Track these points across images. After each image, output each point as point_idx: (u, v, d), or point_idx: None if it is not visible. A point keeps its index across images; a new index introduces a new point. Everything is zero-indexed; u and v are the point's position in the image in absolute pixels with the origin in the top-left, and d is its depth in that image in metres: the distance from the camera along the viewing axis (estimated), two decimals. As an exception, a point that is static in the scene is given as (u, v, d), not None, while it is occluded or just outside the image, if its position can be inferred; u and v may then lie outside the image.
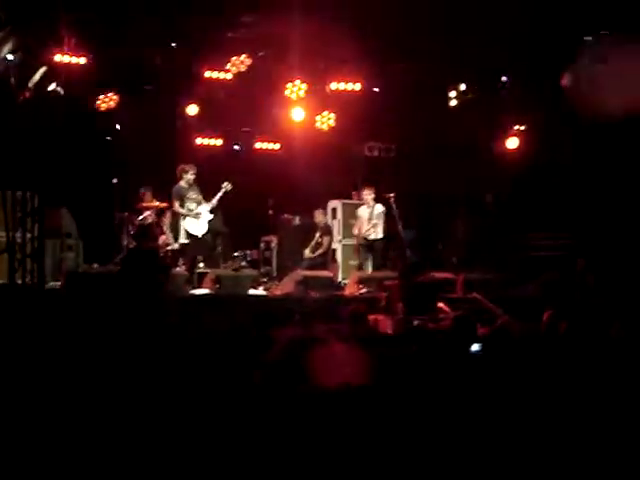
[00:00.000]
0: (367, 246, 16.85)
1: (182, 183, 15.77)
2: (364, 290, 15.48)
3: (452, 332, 7.53)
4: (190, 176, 15.79)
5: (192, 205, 15.74)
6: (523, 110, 18.69)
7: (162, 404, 4.14)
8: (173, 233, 16.51)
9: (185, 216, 15.73)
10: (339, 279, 17.00)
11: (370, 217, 16.70)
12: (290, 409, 2.88)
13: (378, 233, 16.76)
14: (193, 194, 15.79)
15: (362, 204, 17.05)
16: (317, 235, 17.50)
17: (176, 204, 15.78)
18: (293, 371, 2.92)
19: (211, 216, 15.91)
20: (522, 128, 18.97)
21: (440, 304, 12.13)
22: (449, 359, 5.52)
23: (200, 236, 15.82)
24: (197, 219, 15.74)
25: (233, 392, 3.98)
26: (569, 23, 15.73)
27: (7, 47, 15.30)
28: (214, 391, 3.93)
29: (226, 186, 16.21)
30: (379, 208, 16.73)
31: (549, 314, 8.34)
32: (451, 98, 19.01)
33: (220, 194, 16.14)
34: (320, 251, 17.42)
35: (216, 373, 4.20)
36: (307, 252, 17.44)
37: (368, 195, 16.85)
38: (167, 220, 16.82)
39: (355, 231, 17.07)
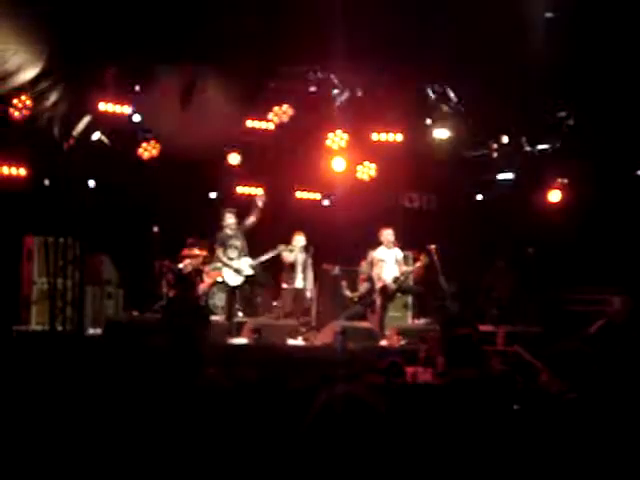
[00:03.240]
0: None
1: (226, 230, 15.73)
2: (403, 342, 15.36)
3: (494, 385, 7.41)
4: (229, 220, 15.72)
5: (234, 253, 15.69)
6: (566, 162, 18.62)
7: (196, 456, 4.10)
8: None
9: (225, 265, 15.70)
10: (378, 330, 16.86)
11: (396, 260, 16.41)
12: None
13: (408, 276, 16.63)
14: (236, 241, 15.74)
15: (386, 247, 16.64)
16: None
17: (219, 251, 15.75)
18: (334, 430, 2.85)
19: (250, 271, 15.83)
20: (565, 181, 18.87)
21: (487, 357, 11.97)
22: (489, 413, 5.42)
23: (235, 286, 15.77)
24: (236, 273, 15.70)
25: (269, 445, 3.93)
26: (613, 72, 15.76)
27: (53, 96, 15.54)
28: (244, 444, 3.88)
29: (281, 249, 16.23)
30: (399, 252, 16.53)
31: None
32: (493, 150, 18.95)
33: (271, 254, 16.17)
34: (358, 293, 17.27)
35: (254, 427, 4.15)
36: (348, 292, 17.33)
37: (390, 236, 16.50)
38: (207, 269, 16.84)
39: (377, 275, 16.45)
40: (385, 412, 2.98)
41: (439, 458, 4.19)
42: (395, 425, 3.06)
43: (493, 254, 18.36)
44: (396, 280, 16.13)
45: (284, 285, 16.90)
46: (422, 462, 3.86)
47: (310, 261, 16.79)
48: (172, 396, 5.19)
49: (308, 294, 16.84)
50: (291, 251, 16.61)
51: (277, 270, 17.36)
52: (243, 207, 17.01)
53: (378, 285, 16.21)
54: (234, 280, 15.64)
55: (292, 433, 3.04)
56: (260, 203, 15.66)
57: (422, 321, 17.05)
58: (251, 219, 15.62)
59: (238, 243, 15.71)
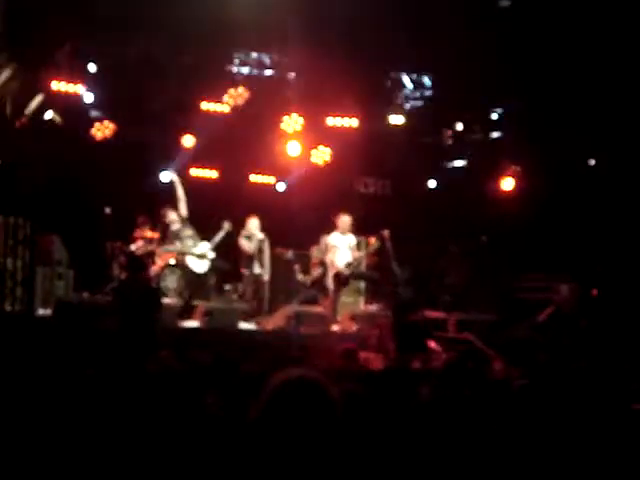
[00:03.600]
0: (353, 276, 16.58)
1: (172, 226, 15.78)
2: (356, 327, 15.39)
3: (443, 374, 7.44)
4: (172, 216, 15.86)
5: (190, 242, 15.70)
6: (519, 151, 18.76)
7: (145, 437, 4.06)
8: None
9: (186, 254, 15.70)
10: (331, 315, 16.85)
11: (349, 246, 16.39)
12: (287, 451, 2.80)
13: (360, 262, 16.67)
14: (187, 231, 15.75)
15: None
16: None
17: (176, 245, 15.75)
18: (287, 414, 2.83)
19: (213, 254, 15.86)
20: (518, 169, 19.00)
21: (432, 344, 12.04)
22: (439, 401, 5.44)
23: (201, 273, 15.79)
24: (200, 259, 15.71)
25: (223, 429, 3.90)
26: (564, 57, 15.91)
27: (4, 75, 15.32)
28: (198, 429, 3.85)
29: (227, 227, 16.17)
30: (353, 238, 16.50)
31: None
32: (447, 137, 19.04)
33: (221, 234, 16.10)
34: (311, 278, 17.21)
35: (201, 409, 4.12)
36: (301, 276, 17.23)
37: (347, 222, 16.36)
38: (159, 251, 16.74)
39: (330, 261, 16.32)
40: (338, 398, 2.97)
41: (390, 443, 4.19)
42: (348, 410, 3.05)
43: (446, 240, 18.45)
44: (349, 265, 16.11)
45: (243, 271, 16.82)
46: (375, 448, 3.86)
47: (267, 244, 16.72)
48: (123, 378, 5.15)
49: (265, 278, 16.76)
50: (248, 237, 16.53)
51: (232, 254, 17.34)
52: (194, 190, 16.97)
53: (331, 271, 16.19)
54: (201, 266, 15.66)
55: (245, 417, 3.02)
56: (229, 228, 16.06)
57: (374, 307, 17.06)
58: (217, 239, 16.02)
59: (189, 232, 15.75)
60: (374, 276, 17.02)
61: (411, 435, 4.46)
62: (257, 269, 16.51)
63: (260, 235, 16.48)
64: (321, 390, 2.91)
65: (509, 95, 17.81)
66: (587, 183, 18.18)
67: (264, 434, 2.81)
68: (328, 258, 16.23)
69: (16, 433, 4.47)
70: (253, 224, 16.52)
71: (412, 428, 4.57)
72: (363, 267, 16.99)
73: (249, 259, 16.53)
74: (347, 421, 2.96)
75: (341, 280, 16.15)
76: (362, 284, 17.74)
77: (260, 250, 16.58)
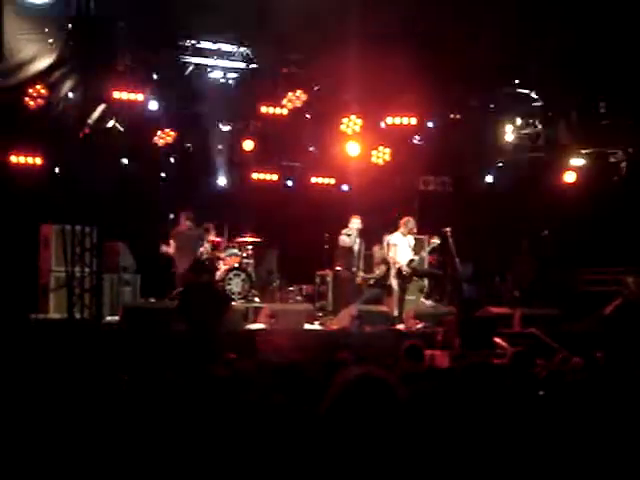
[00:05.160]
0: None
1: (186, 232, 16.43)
2: (420, 325, 15.38)
3: (510, 368, 7.43)
4: (187, 222, 16.42)
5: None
6: (580, 143, 18.60)
7: (220, 437, 4.13)
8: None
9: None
10: (395, 313, 16.85)
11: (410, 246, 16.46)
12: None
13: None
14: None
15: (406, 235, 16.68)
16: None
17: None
18: (354, 410, 2.88)
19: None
20: (580, 162, 18.83)
21: (497, 339, 12.00)
22: (507, 396, 5.44)
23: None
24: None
25: (290, 428, 3.95)
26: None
27: (67, 85, 15.59)
28: (270, 429, 3.91)
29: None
30: (412, 239, 16.58)
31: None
32: (507, 132, 18.93)
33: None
34: (374, 276, 17.25)
35: (271, 411, 4.18)
36: (361, 274, 17.25)
37: (411, 224, 16.41)
38: (223, 255, 16.92)
39: (392, 259, 16.32)
40: (406, 395, 3.00)
41: (459, 443, 4.21)
42: (415, 408, 3.09)
43: (511, 237, 18.32)
44: (410, 263, 16.10)
45: (338, 268, 16.96)
46: (442, 446, 3.89)
47: (363, 245, 16.90)
48: (194, 381, 5.24)
49: (359, 279, 16.94)
50: (348, 235, 16.68)
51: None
52: (256, 194, 17.12)
53: (394, 269, 16.20)
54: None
55: (313, 417, 3.07)
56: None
57: (434, 304, 16.98)
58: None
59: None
60: (437, 273, 17.01)
61: (486, 431, 4.47)
62: (354, 266, 16.70)
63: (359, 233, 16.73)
64: (389, 388, 2.94)
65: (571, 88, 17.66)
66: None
67: (332, 429, 2.86)
68: (390, 256, 16.26)
69: (92, 437, 4.55)
70: (355, 223, 16.67)
71: (488, 425, 4.58)
72: (425, 265, 17.01)
73: (347, 256, 16.69)
74: (415, 419, 3.00)
75: (404, 277, 16.14)
76: (425, 282, 17.71)
77: (360, 249, 16.80)
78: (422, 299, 16.94)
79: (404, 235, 16.23)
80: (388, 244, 16.38)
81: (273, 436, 3.76)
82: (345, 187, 20.13)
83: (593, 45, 15.95)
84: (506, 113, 18.83)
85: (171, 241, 16.18)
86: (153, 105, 17.00)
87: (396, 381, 2.98)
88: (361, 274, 17.22)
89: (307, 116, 18.18)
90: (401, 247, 16.17)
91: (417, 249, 16.49)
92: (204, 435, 3.98)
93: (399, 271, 16.09)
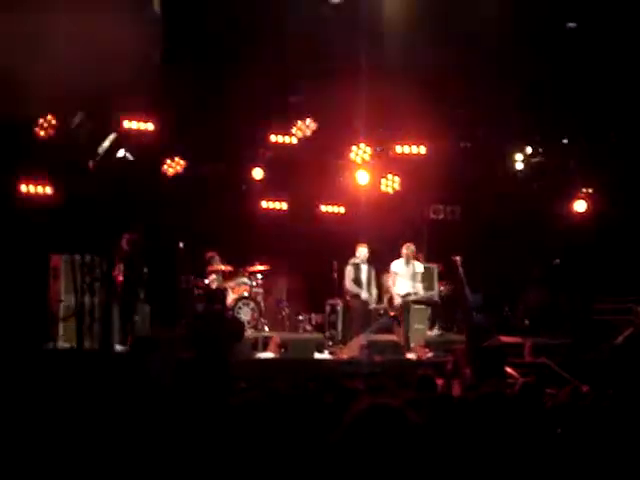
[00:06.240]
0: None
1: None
2: (430, 354, 15.33)
3: (519, 399, 7.37)
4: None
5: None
6: (590, 172, 18.60)
7: (230, 469, 4.10)
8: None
9: None
10: (404, 343, 16.81)
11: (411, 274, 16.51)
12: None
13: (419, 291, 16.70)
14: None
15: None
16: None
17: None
18: (368, 440, 2.85)
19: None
20: (590, 191, 18.82)
21: (508, 369, 11.94)
22: (515, 426, 5.38)
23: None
24: None
25: (304, 456, 3.92)
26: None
27: (78, 116, 15.65)
28: (280, 457, 3.88)
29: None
30: (420, 266, 16.64)
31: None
32: (517, 161, 18.95)
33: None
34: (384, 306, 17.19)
35: (282, 440, 4.15)
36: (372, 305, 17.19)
37: (410, 250, 16.59)
38: (232, 284, 16.92)
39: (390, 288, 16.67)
40: (418, 421, 2.98)
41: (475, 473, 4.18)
42: (430, 437, 3.06)
43: (525, 264, 18.29)
44: (406, 296, 16.20)
45: (348, 298, 16.97)
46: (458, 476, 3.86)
47: (374, 273, 16.88)
48: (204, 411, 5.21)
49: (372, 306, 16.87)
50: (355, 264, 16.69)
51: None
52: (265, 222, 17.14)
53: (385, 298, 16.43)
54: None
55: (326, 448, 3.05)
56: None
57: (440, 332, 16.92)
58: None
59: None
60: (433, 301, 16.98)
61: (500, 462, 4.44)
62: (364, 295, 16.66)
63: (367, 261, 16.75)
64: (402, 417, 2.93)
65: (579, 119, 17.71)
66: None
67: (344, 458, 2.84)
68: (389, 285, 16.42)
69: (98, 467, 4.53)
70: (362, 252, 16.68)
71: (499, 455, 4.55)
72: (435, 293, 17.03)
73: (356, 284, 16.69)
74: (430, 449, 2.97)
75: (396, 309, 16.28)
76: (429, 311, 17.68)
77: (369, 277, 16.79)
78: (427, 329, 16.92)
79: (407, 262, 16.30)
80: (391, 273, 16.51)
81: (285, 465, 3.74)
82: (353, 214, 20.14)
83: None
84: (516, 142, 18.86)
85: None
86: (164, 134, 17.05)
87: (408, 409, 2.96)
88: (373, 304, 17.19)
89: (316, 145, 18.19)
90: (401, 276, 16.27)
91: (425, 277, 16.54)
92: (216, 465, 3.96)
93: (390, 301, 16.27)
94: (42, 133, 15.73)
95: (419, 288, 16.66)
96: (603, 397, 6.96)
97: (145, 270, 15.88)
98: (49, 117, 15.62)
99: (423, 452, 2.92)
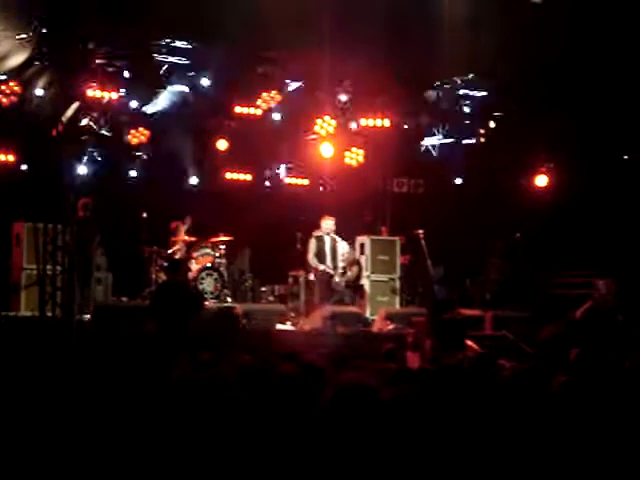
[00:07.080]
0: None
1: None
2: (392, 326, 15.42)
3: (473, 369, 7.46)
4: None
5: None
6: (552, 147, 18.71)
7: (190, 439, 4.12)
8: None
9: None
10: (367, 315, 16.89)
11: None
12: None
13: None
14: None
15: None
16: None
17: None
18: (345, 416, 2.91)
19: None
20: (551, 165, 18.96)
21: (469, 342, 12.04)
22: (467, 396, 5.45)
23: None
24: None
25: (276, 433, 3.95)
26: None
27: (40, 82, 15.50)
28: (248, 433, 3.90)
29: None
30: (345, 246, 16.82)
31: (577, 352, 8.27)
32: (480, 135, 19.03)
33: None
34: (346, 278, 17.19)
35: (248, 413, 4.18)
36: (336, 278, 17.17)
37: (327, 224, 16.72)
38: (196, 255, 16.92)
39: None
40: (390, 399, 3.03)
41: (443, 444, 4.23)
42: (399, 412, 3.11)
43: (487, 238, 18.40)
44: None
45: (311, 270, 16.97)
46: (428, 449, 3.92)
47: (339, 245, 16.87)
48: (165, 382, 5.23)
49: (336, 279, 16.85)
50: (318, 237, 16.64)
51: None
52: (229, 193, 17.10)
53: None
54: None
55: (295, 420, 3.09)
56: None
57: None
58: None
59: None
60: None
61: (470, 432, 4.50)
62: (329, 267, 16.64)
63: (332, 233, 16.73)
64: (374, 394, 2.97)
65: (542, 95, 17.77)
66: (621, 178, 18.11)
67: (322, 436, 2.88)
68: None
69: (54, 438, 4.53)
70: (328, 224, 16.63)
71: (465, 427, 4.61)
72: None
73: (320, 257, 16.68)
74: (401, 422, 3.02)
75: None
76: (397, 284, 17.77)
77: (333, 250, 16.73)
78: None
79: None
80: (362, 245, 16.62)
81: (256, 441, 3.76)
82: (320, 188, 20.15)
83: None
84: (479, 117, 18.94)
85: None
86: (134, 104, 16.94)
87: (382, 386, 3.01)
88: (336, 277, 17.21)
89: (281, 116, 18.14)
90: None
91: (388, 249, 16.68)
92: (180, 440, 3.98)
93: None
94: (4, 100, 15.58)
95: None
96: (557, 368, 7.07)
97: (98, 237, 15.76)
98: (12, 83, 15.46)
99: (395, 429, 2.97)
